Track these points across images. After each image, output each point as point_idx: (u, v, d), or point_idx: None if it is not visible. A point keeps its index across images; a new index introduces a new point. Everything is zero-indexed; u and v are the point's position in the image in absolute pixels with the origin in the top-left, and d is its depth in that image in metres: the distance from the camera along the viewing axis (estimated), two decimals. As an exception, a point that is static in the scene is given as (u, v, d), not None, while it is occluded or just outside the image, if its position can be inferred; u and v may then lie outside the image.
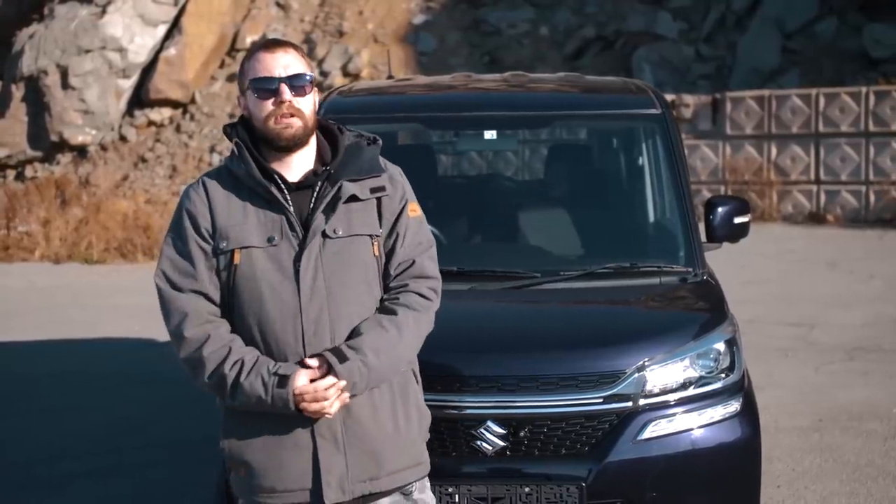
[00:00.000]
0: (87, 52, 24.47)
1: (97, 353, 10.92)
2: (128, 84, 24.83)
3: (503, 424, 4.66)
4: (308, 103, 3.64)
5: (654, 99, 6.08)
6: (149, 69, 25.09)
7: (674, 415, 4.78)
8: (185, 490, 6.85)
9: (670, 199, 5.91)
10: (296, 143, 3.62)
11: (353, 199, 3.63)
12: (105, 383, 9.63)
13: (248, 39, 26.08)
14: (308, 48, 25.77)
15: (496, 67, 24.27)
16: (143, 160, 24.41)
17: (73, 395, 9.29)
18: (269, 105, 3.59)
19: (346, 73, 24.82)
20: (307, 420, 3.56)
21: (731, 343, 5.01)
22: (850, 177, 19.04)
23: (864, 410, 8.36)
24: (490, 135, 6.09)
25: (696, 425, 4.81)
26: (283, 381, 3.46)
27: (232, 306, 3.61)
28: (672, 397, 4.80)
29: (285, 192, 3.59)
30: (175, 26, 25.28)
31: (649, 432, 4.73)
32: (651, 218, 6.24)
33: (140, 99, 25.24)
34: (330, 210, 3.59)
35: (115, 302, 13.88)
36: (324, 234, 3.58)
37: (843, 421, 8.13)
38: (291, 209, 3.58)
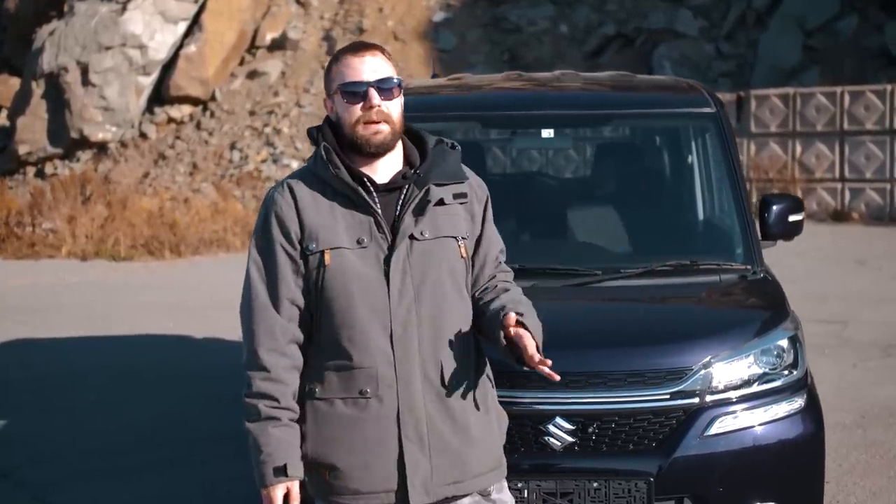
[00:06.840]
0: (108, 49, 24.57)
1: (137, 350, 10.98)
2: (148, 81, 24.93)
3: (571, 420, 4.69)
4: (396, 107, 3.63)
5: (707, 97, 6.12)
6: (169, 66, 25.19)
7: (739, 411, 4.82)
8: (229, 485, 6.91)
9: (727, 197, 5.94)
10: (385, 149, 3.63)
11: (440, 202, 3.66)
12: (148, 378, 9.71)
13: (269, 37, 26.17)
14: (327, 46, 25.84)
15: (516, 65, 24.30)
16: (163, 157, 24.49)
17: (120, 390, 9.35)
18: (357, 110, 3.58)
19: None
20: (393, 422, 3.58)
21: (794, 340, 5.05)
22: (874, 174, 19.07)
23: (905, 407, 8.40)
24: (548, 133, 6.13)
25: (760, 422, 4.84)
26: (280, 472, 3.53)
27: (319, 307, 3.60)
28: (737, 394, 4.83)
29: (373, 194, 3.61)
30: (195, 23, 25.36)
31: (716, 428, 4.76)
32: (709, 216, 6.26)
33: (160, 96, 25.33)
34: (419, 213, 3.62)
35: (148, 299, 13.93)
36: (411, 237, 3.60)
37: (885, 417, 8.16)
38: (380, 211, 3.60)
